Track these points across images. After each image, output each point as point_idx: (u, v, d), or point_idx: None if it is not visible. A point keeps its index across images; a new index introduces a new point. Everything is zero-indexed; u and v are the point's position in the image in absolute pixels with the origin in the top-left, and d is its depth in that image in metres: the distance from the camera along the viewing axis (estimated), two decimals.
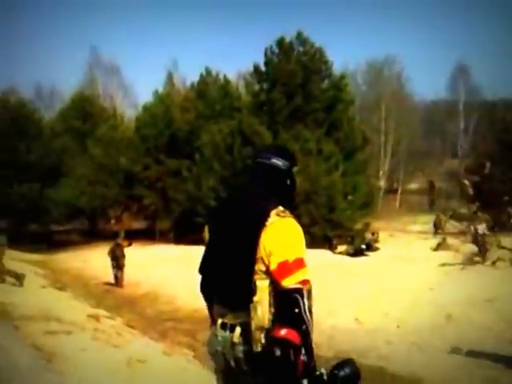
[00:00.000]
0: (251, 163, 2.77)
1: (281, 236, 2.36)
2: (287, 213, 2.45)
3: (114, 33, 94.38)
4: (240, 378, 2.48)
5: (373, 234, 26.65)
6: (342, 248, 26.51)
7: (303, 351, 2.26)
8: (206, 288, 2.84)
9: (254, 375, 2.37)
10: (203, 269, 2.83)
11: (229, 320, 2.51)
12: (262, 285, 2.34)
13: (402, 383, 7.76)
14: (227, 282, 2.52)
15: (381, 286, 14.20)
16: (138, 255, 19.03)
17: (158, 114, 37.07)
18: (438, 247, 22.83)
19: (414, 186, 53.94)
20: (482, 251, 17.81)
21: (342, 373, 2.32)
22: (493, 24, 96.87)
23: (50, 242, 35.84)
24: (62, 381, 4.88)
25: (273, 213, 2.41)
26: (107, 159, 35.71)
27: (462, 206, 31.55)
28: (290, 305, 2.26)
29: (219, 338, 2.56)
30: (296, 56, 35.59)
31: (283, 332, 2.22)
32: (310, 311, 2.35)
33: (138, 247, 23.62)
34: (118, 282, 17.08)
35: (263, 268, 2.35)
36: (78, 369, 5.32)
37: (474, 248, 18.72)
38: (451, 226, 28.55)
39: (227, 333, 2.50)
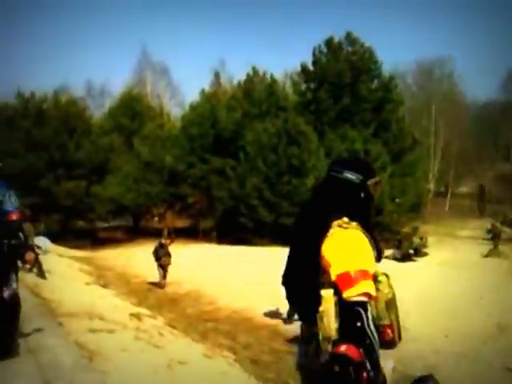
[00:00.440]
0: (325, 175, 2.75)
1: (340, 247, 2.35)
2: (352, 224, 2.42)
3: (162, 33, 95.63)
4: None
5: (421, 238, 25.95)
6: (388, 252, 25.97)
7: (368, 367, 2.19)
8: (288, 301, 2.78)
9: None
10: (283, 281, 2.78)
11: (305, 332, 2.54)
12: (327, 295, 2.32)
13: None
14: (296, 293, 2.56)
15: (428, 292, 13.75)
16: (181, 254, 19.09)
17: (204, 113, 37.25)
18: (489, 254, 22.15)
19: (463, 189, 52.66)
20: None
21: None
22: None
23: (95, 239, 36.50)
24: (104, 380, 4.81)
25: (335, 224, 2.41)
26: (153, 157, 36.14)
27: None
28: (352, 318, 2.23)
29: (301, 352, 2.60)
30: (345, 55, 35.31)
31: (343, 348, 2.21)
32: (375, 325, 2.30)
33: (181, 246, 23.72)
34: (161, 282, 16.97)
35: (328, 279, 2.35)
36: (119, 369, 5.25)
37: None
38: (502, 232, 27.59)
39: (305, 346, 2.53)
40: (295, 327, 11.36)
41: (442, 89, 52.32)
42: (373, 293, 2.31)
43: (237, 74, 62.83)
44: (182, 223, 40.70)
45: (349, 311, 2.24)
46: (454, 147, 49.50)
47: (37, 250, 5.26)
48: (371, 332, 2.21)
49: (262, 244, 28.44)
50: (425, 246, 25.91)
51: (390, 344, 2.43)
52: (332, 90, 34.53)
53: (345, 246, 2.34)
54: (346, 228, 2.40)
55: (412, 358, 8.61)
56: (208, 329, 10.98)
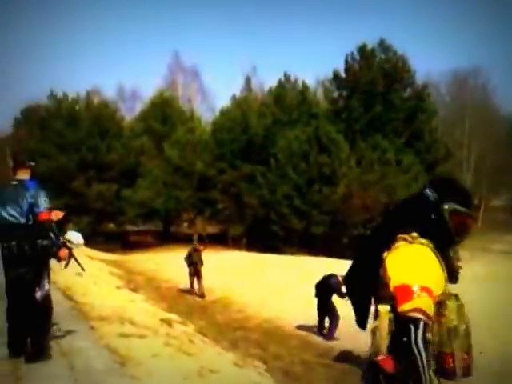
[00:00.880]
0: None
1: (403, 260, 2.29)
2: (419, 240, 2.33)
3: (194, 37, 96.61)
4: None
5: (453, 252, 25.44)
6: None
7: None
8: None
9: None
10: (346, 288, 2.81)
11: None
12: (383, 310, 2.29)
13: None
14: (356, 304, 2.54)
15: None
16: (211, 260, 19.07)
17: (234, 119, 37.31)
18: None
19: (497, 202, 51.68)
20: None
21: None
22: None
23: (125, 243, 36.73)
24: None
25: (400, 237, 2.34)
26: (183, 162, 36.24)
27: None
28: (401, 332, 2.17)
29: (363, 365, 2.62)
30: (378, 63, 35.05)
31: (379, 357, 2.23)
32: (425, 343, 2.16)
33: (211, 252, 23.69)
34: (197, 289, 16.45)
35: (387, 293, 2.28)
36: (150, 375, 5.21)
37: None
38: None
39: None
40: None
41: (475, 100, 51.51)
42: (429, 312, 2.19)
43: (268, 80, 63.05)
44: (211, 229, 40.74)
45: (400, 324, 2.19)
46: (488, 160, 48.65)
47: (69, 245, 5.23)
48: (418, 349, 2.11)
49: (291, 252, 28.29)
50: (458, 259, 25.41)
51: (449, 374, 2.33)
52: (364, 97, 34.30)
53: (408, 260, 2.28)
54: (410, 242, 2.32)
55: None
56: (238, 337, 10.88)
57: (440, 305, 2.31)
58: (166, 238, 38.18)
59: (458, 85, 53.94)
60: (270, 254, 27.95)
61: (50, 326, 5.25)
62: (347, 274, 2.64)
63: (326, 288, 11.85)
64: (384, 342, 2.27)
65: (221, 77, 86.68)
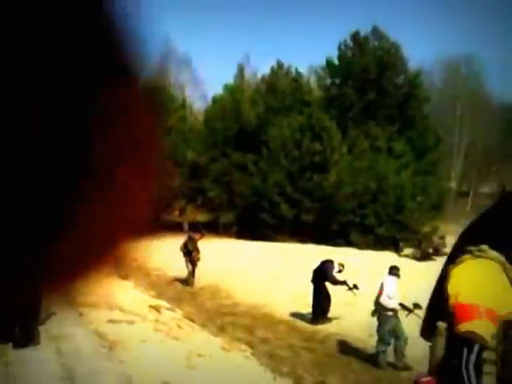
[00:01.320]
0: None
1: (465, 278, 2.14)
2: (488, 253, 2.10)
3: (186, 24, 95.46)
4: None
5: (441, 237, 25.69)
6: (408, 251, 25.77)
7: None
8: None
9: None
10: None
11: None
12: (441, 327, 2.17)
13: None
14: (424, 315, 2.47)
15: None
16: (201, 248, 19.14)
17: (227, 107, 37.10)
18: None
19: (486, 189, 51.85)
20: None
21: None
22: None
23: None
24: (124, 369, 4.90)
25: (467, 249, 2.14)
26: (174, 150, 36.10)
27: None
28: (453, 353, 2.05)
29: None
30: (370, 50, 34.90)
31: (424, 379, 2.14)
32: (477, 370, 2.01)
33: (202, 240, 23.79)
34: (189, 279, 16.19)
35: (448, 309, 2.13)
36: (138, 359, 5.35)
37: None
38: None
39: None
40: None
41: (468, 87, 51.47)
42: (487, 336, 2.00)
43: (261, 68, 62.66)
44: (202, 217, 40.72)
45: (454, 345, 2.06)
46: (479, 147, 48.79)
47: None
48: (468, 375, 1.97)
49: (282, 240, 28.37)
50: (445, 245, 25.62)
51: None
52: (357, 85, 34.24)
53: (471, 278, 2.13)
54: (477, 256, 2.12)
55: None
56: (226, 323, 11.03)
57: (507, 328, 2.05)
58: (156, 226, 38.06)
59: (451, 72, 53.86)
60: (260, 241, 28.05)
61: (38, 313, 5.34)
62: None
63: (320, 273, 12.05)
64: (438, 361, 2.15)
65: (213, 65, 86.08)
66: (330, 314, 11.90)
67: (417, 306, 8.62)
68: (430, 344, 2.23)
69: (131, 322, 7.07)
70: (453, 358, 2.02)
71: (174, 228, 31.58)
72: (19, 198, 0.49)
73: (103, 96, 0.56)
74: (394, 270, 9.52)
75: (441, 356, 2.13)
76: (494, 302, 2.04)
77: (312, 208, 30.31)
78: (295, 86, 37.39)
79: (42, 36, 0.47)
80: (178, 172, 36.11)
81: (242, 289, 15.33)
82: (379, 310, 9.02)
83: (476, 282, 2.12)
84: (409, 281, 15.48)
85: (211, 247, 16.20)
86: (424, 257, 23.49)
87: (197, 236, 17.16)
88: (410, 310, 8.90)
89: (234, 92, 38.70)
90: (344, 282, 11.93)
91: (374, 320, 9.40)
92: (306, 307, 12.63)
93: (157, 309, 9.03)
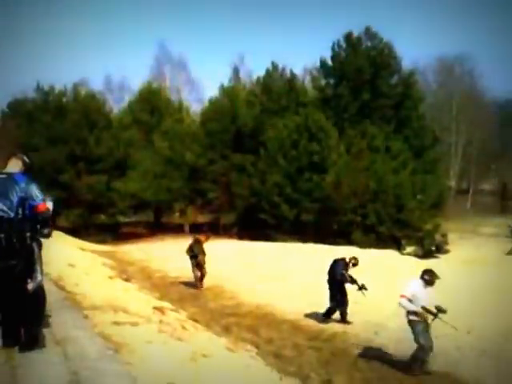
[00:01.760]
0: None
1: None
2: None
3: (181, 27, 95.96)
4: None
5: (443, 235, 25.79)
6: (410, 249, 25.86)
7: None
8: None
9: None
10: None
11: None
12: None
13: None
14: None
15: (452, 290, 13.58)
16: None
17: (223, 109, 37.20)
18: (511, 251, 21.95)
19: (486, 186, 52.10)
20: None
21: None
22: None
23: (117, 234, 36.66)
24: (129, 371, 4.85)
25: None
26: (172, 153, 36.18)
27: None
28: None
29: None
30: (364, 51, 35.10)
31: None
32: None
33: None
34: (197, 283, 15.77)
35: None
36: (143, 361, 5.30)
37: None
38: None
39: None
40: (317, 323, 11.37)
41: (462, 86, 51.79)
42: None
43: (256, 69, 62.67)
44: (203, 219, 40.83)
45: None
46: (476, 145, 49.01)
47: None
48: None
49: (282, 239, 28.48)
50: (446, 242, 25.74)
51: None
52: (352, 85, 34.40)
53: None
54: None
55: (434, 354, 8.60)
56: (230, 323, 11.02)
57: None
58: (157, 229, 38.18)
59: (445, 71, 54.14)
60: (261, 241, 28.13)
61: (43, 316, 5.30)
62: None
63: (332, 272, 11.94)
64: None
65: (209, 67, 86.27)
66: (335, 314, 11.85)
67: (440, 309, 8.38)
68: None
69: (136, 324, 7.02)
70: None
71: (175, 230, 31.73)
72: None
73: None
74: (424, 275, 8.73)
75: None
76: None
77: (311, 208, 30.38)
78: (290, 86, 37.54)
79: None
80: (177, 174, 36.22)
81: (245, 289, 15.33)
82: (406, 313, 8.64)
83: None
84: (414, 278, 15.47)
85: (212, 248, 16.15)
86: (426, 254, 23.58)
87: (202, 238, 16.69)
88: (434, 314, 8.44)
89: (229, 93, 38.79)
90: (354, 281, 11.80)
91: (381, 318, 9.32)
92: (310, 306, 12.62)
93: (161, 310, 8.98)
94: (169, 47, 63.76)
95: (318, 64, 37.58)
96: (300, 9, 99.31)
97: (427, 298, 8.55)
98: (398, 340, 9.82)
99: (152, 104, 41.46)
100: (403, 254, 25.22)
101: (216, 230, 34.63)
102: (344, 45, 36.05)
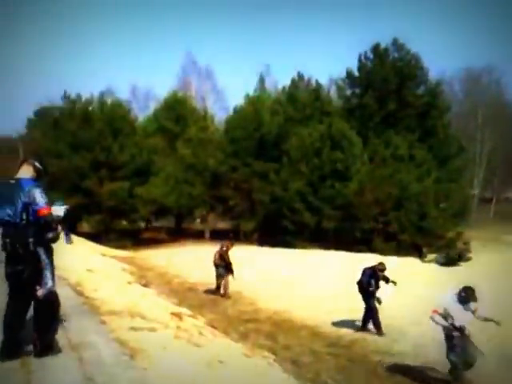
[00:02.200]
0: None
1: None
2: None
3: (208, 37, 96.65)
4: None
5: (465, 243, 25.49)
6: (431, 256, 25.60)
7: None
8: None
9: None
10: None
11: None
12: None
13: None
14: None
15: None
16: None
17: (247, 117, 37.27)
18: None
19: (509, 195, 51.52)
20: None
21: None
22: None
23: (137, 239, 36.89)
24: (145, 377, 4.84)
25: None
26: (195, 159, 36.35)
27: None
28: None
29: None
30: (391, 62, 35.15)
31: None
32: None
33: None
34: (224, 290, 15.38)
35: None
36: (159, 366, 5.28)
37: None
38: None
39: None
40: (336, 329, 11.27)
41: (488, 96, 51.47)
42: None
43: (282, 80, 62.73)
44: (223, 225, 40.94)
45: None
46: (500, 154, 48.62)
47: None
48: None
49: (303, 246, 28.42)
50: (469, 250, 25.41)
51: None
52: (377, 95, 34.35)
53: None
54: None
55: None
56: (248, 329, 10.98)
57: None
58: (178, 234, 38.34)
59: (472, 81, 53.87)
60: (281, 248, 28.08)
61: (56, 323, 5.27)
62: None
63: (360, 282, 11.88)
64: None
65: (235, 76, 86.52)
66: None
67: (463, 328, 8.06)
68: None
69: (153, 330, 7.01)
70: None
71: (196, 236, 31.75)
72: None
73: None
74: (462, 292, 8.19)
75: None
76: None
77: (333, 215, 30.31)
78: (315, 96, 37.57)
79: None
80: (199, 181, 36.38)
81: (264, 295, 15.29)
82: (442, 328, 8.26)
83: None
84: (435, 286, 15.30)
85: (232, 254, 16.08)
86: (449, 262, 23.29)
87: (229, 245, 16.20)
88: (460, 332, 8.09)
89: (254, 102, 38.84)
90: (387, 279, 11.76)
91: (401, 326, 9.12)
92: (329, 313, 12.55)
93: (178, 316, 8.97)
94: (195, 57, 64.15)
95: (343, 75, 37.62)
96: (328, 19, 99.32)
97: (460, 314, 8.19)
98: (418, 348, 9.69)
99: (177, 112, 41.64)
100: (424, 261, 24.98)
101: (237, 236, 34.68)
102: (371, 56, 36.09)
